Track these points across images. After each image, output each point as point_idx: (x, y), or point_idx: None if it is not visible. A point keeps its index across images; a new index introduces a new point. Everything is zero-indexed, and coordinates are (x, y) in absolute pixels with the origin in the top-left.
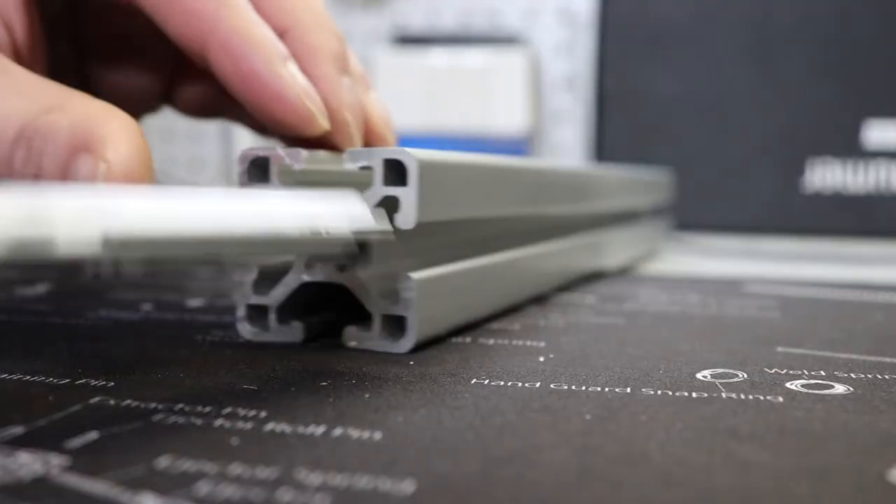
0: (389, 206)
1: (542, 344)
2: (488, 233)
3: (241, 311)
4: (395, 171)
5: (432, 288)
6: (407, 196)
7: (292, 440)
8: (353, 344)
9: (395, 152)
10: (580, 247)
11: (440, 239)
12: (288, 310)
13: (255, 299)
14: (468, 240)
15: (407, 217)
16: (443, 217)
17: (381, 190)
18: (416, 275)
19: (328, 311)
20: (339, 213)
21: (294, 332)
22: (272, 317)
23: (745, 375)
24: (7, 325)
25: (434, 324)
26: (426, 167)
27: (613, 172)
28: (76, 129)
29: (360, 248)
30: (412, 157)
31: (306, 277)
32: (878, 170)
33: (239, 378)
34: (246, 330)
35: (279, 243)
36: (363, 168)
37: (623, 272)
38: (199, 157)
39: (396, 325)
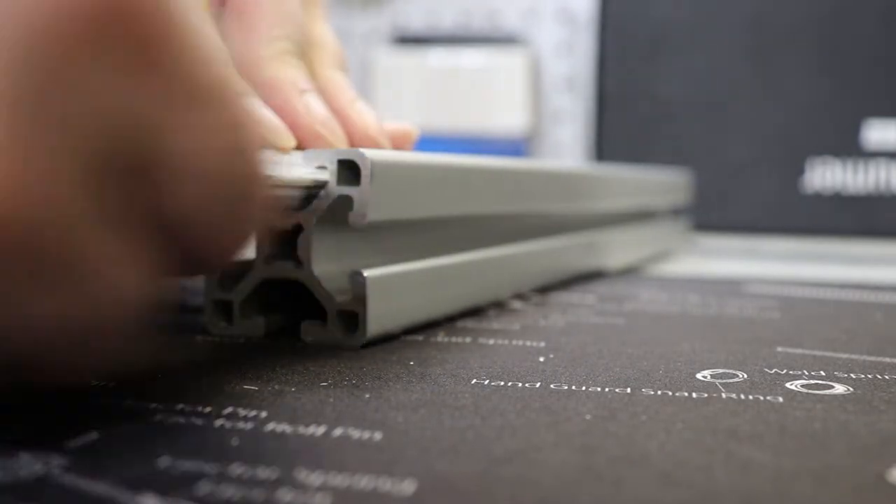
0: (345, 205)
1: (542, 344)
2: (456, 232)
3: (207, 306)
4: (353, 172)
5: (386, 285)
6: (359, 195)
7: (293, 440)
8: (309, 339)
9: (348, 153)
10: (561, 247)
11: (403, 238)
12: (253, 306)
13: (220, 295)
14: (433, 239)
15: (359, 215)
16: (397, 216)
17: (336, 189)
18: (369, 272)
19: (298, 308)
20: (290, 168)
21: (256, 326)
22: (236, 312)
23: (745, 375)
24: None
25: (390, 319)
26: (379, 167)
27: (601, 172)
28: None
29: (307, 199)
30: (365, 157)
31: (267, 274)
32: (878, 170)
33: (239, 378)
34: (211, 324)
35: None
36: (319, 168)
37: (623, 272)
38: None
39: (353, 320)
